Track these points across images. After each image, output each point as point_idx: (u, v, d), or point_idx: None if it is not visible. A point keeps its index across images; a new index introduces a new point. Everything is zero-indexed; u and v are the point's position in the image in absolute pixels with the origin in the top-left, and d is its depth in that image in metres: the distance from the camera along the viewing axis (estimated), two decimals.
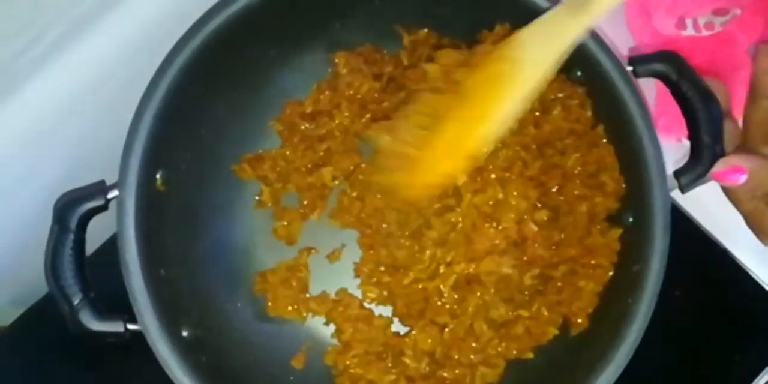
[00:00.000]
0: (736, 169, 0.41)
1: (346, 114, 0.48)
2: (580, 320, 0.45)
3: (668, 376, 0.52)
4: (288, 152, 0.49)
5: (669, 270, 0.41)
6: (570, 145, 0.46)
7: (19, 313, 0.53)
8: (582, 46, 0.43)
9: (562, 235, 0.45)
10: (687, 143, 0.43)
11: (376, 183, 0.46)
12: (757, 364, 0.52)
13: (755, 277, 0.53)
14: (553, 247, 0.46)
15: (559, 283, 0.45)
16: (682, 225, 0.51)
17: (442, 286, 0.46)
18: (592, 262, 0.45)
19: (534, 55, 0.39)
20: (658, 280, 0.40)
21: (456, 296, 0.46)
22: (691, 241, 0.52)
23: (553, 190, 0.46)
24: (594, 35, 0.43)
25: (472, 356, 0.45)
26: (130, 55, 0.48)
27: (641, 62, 0.43)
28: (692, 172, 0.42)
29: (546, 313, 0.45)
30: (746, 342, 0.53)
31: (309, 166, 0.48)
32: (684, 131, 0.44)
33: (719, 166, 0.41)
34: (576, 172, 0.46)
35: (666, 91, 0.44)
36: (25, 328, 0.53)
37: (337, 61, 0.48)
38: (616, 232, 0.44)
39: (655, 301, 0.40)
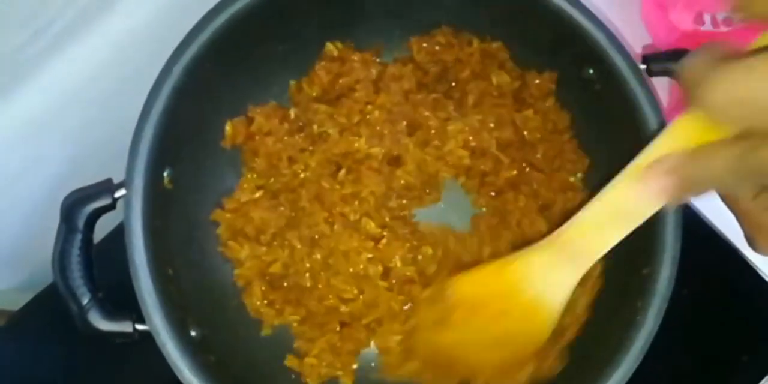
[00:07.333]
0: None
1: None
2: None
3: (675, 376, 0.52)
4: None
5: (678, 269, 0.41)
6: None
7: (29, 298, 0.54)
8: (594, 43, 0.42)
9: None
10: None
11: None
12: (765, 364, 0.52)
13: (765, 277, 0.53)
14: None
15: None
16: (692, 224, 0.50)
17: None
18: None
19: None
20: (668, 285, 0.40)
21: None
22: (701, 240, 0.51)
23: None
24: (607, 32, 0.42)
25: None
26: (136, 47, 0.48)
27: (655, 60, 0.42)
28: None
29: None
30: (754, 342, 0.53)
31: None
32: None
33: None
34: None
35: (680, 88, 0.43)
36: (35, 313, 0.53)
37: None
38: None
39: (665, 306, 0.40)
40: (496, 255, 0.44)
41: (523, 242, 0.43)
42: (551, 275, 0.38)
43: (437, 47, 0.47)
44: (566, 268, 0.37)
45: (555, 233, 0.38)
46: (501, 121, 0.45)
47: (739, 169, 0.29)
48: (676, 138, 0.32)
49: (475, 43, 0.47)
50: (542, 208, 0.46)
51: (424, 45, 0.47)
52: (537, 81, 0.47)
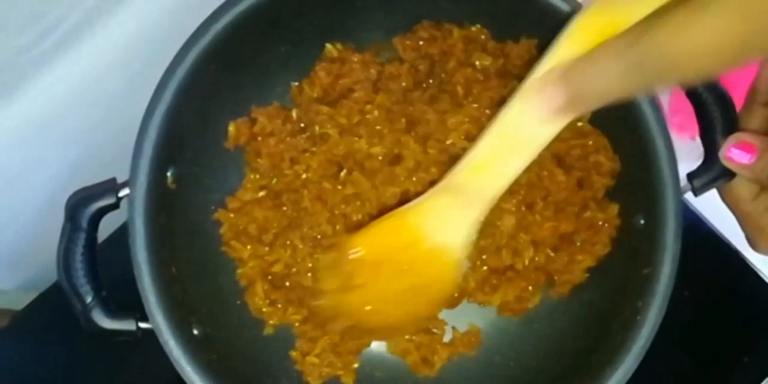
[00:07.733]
0: (746, 145, 0.40)
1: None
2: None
3: (676, 377, 0.52)
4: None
5: (679, 270, 0.41)
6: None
7: (32, 297, 0.54)
8: None
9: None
10: None
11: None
12: (765, 365, 0.52)
13: (765, 279, 0.53)
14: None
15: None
16: (693, 225, 0.51)
17: None
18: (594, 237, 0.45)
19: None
20: (669, 285, 0.40)
21: None
22: (701, 241, 0.52)
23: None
24: None
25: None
26: (140, 49, 0.48)
27: None
28: (706, 176, 0.42)
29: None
30: (755, 343, 0.53)
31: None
32: None
33: (730, 141, 0.40)
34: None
35: (681, 89, 0.43)
36: (38, 312, 0.54)
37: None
38: (614, 207, 0.44)
39: (665, 307, 0.40)
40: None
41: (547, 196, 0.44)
42: (450, 220, 0.36)
43: (421, 42, 0.47)
44: (464, 210, 0.35)
45: (449, 175, 0.36)
46: (492, 104, 0.45)
47: (628, 63, 0.27)
48: (575, 45, 0.30)
49: (455, 32, 0.46)
50: (557, 159, 0.45)
51: (408, 42, 0.47)
52: (516, 50, 0.46)
